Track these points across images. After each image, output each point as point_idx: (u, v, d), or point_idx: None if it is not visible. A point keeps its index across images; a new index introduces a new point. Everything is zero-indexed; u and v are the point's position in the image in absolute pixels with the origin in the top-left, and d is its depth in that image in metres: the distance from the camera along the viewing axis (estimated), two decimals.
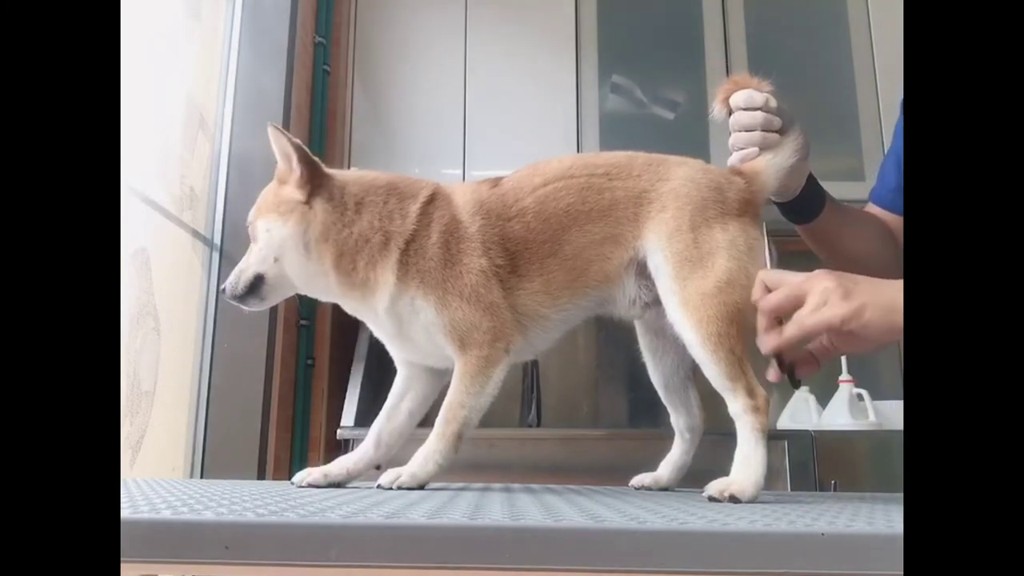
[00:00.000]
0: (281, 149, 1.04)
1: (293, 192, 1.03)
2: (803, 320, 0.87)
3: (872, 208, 1.34)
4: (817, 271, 0.90)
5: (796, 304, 0.88)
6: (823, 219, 1.20)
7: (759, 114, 1.07)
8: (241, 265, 1.05)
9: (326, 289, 1.05)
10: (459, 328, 0.98)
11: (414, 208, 1.03)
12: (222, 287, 1.06)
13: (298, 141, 1.04)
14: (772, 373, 0.93)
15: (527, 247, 1.02)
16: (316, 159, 1.05)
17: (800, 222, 1.22)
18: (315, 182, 1.04)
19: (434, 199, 1.05)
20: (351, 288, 1.03)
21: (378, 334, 1.08)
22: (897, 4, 2.36)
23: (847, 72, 2.65)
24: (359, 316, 1.07)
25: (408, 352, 1.08)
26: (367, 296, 1.02)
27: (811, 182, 1.17)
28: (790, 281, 0.90)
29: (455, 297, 0.98)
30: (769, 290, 0.91)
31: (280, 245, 1.03)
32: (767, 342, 0.90)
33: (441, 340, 1.00)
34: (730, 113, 1.11)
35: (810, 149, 1.11)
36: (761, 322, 0.91)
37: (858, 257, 1.25)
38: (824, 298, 0.86)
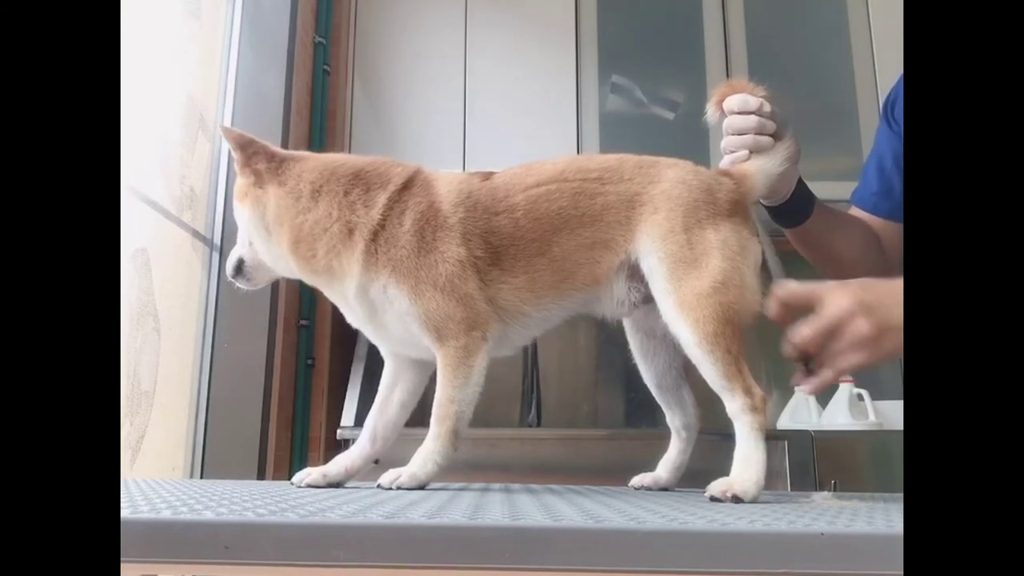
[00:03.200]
0: (231, 144, 1.07)
1: (245, 178, 1.07)
2: (838, 364, 0.89)
3: (855, 211, 1.35)
4: (836, 290, 0.90)
5: (828, 339, 0.89)
6: (811, 223, 1.22)
7: (752, 118, 1.08)
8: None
9: (291, 272, 1.07)
10: (433, 318, 0.98)
11: (382, 197, 1.02)
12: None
13: (238, 131, 1.06)
14: (800, 379, 0.93)
15: (513, 243, 1.02)
16: (260, 144, 1.06)
17: (789, 226, 1.23)
18: (253, 166, 1.05)
19: (410, 186, 1.04)
20: (314, 274, 1.04)
21: (350, 319, 1.08)
22: (897, 4, 2.36)
23: (847, 72, 2.65)
24: (334, 301, 1.08)
25: (384, 340, 1.09)
26: (333, 283, 1.03)
27: (800, 186, 1.18)
28: (817, 302, 0.90)
29: (428, 286, 0.98)
30: (784, 304, 0.92)
31: (246, 229, 1.08)
32: (807, 385, 0.91)
33: (417, 330, 1.00)
34: (724, 116, 1.12)
35: (804, 153, 1.14)
36: (790, 353, 0.92)
37: (845, 260, 1.27)
38: (855, 339, 0.87)
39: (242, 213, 1.07)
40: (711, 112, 1.14)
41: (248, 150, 1.06)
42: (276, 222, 1.03)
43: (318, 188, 1.03)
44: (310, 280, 1.06)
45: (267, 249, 1.06)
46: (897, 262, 1.30)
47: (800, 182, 1.18)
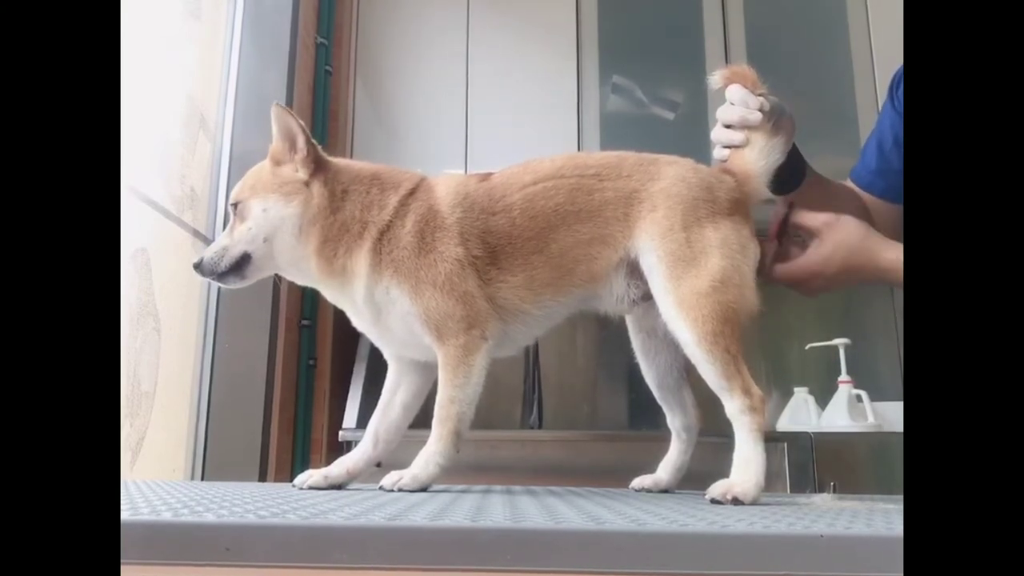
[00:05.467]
0: (285, 128, 1.05)
1: (295, 173, 1.04)
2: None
3: (850, 185, 1.37)
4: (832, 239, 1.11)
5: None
6: (804, 191, 1.21)
7: (750, 116, 1.08)
8: (223, 242, 1.05)
9: (307, 273, 1.06)
10: (433, 317, 0.99)
11: (394, 199, 1.04)
12: (195, 262, 1.04)
13: (302, 122, 1.05)
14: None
15: (510, 242, 1.02)
16: (315, 142, 1.07)
17: (779, 192, 1.22)
18: (318, 164, 1.05)
19: (416, 191, 1.05)
20: (330, 276, 1.03)
21: (356, 323, 1.09)
22: (897, 4, 2.36)
23: (847, 72, 2.65)
24: (340, 305, 1.08)
25: (388, 342, 1.09)
26: (345, 285, 1.03)
27: (793, 155, 1.17)
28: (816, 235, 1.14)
29: (428, 286, 0.99)
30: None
31: (277, 226, 1.03)
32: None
33: (418, 329, 1.00)
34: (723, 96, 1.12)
35: (803, 151, 1.15)
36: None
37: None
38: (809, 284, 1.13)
39: (282, 210, 1.03)
40: (716, 81, 1.13)
41: (310, 143, 1.05)
42: (311, 222, 1.03)
43: (346, 189, 1.04)
44: (323, 283, 1.05)
45: (292, 248, 1.03)
46: None
47: (794, 151, 1.17)
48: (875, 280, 1.13)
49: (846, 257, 1.10)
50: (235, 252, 1.04)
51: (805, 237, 1.14)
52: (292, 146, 1.05)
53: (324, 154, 1.07)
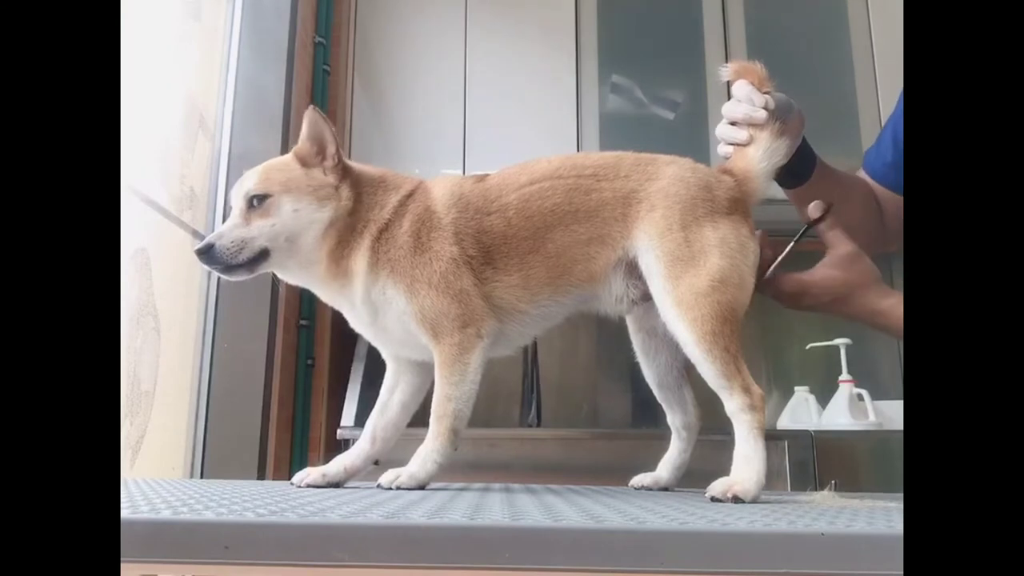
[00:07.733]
0: (317, 133, 1.06)
1: (326, 177, 1.04)
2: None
3: (863, 174, 1.36)
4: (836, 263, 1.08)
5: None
6: (812, 185, 1.20)
7: (755, 115, 1.07)
8: (239, 233, 1.01)
9: (313, 275, 1.05)
10: (429, 316, 0.99)
11: (394, 200, 1.05)
12: (199, 248, 1.00)
13: (335, 129, 1.06)
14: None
15: (505, 242, 1.03)
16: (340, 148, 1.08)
17: (788, 186, 1.22)
18: (345, 171, 1.06)
19: (414, 193, 1.06)
20: (334, 278, 1.03)
21: (354, 325, 1.09)
22: (897, 4, 2.36)
23: (847, 72, 2.65)
24: (336, 306, 1.08)
25: (385, 343, 1.09)
26: (345, 287, 1.03)
27: (803, 148, 1.17)
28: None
29: (423, 285, 0.99)
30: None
31: (305, 227, 1.02)
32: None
33: (414, 328, 1.01)
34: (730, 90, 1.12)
35: (807, 132, 1.14)
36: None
37: (845, 225, 1.26)
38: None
39: (315, 213, 1.02)
40: (725, 74, 1.12)
41: (339, 150, 1.06)
42: (331, 225, 1.03)
43: (360, 192, 1.05)
44: (325, 284, 1.05)
45: (310, 250, 1.03)
46: (896, 233, 1.31)
47: (803, 144, 1.16)
48: (862, 319, 1.12)
49: (847, 295, 1.10)
50: (255, 246, 1.01)
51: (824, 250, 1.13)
52: (320, 150, 1.06)
53: (347, 160, 1.08)
